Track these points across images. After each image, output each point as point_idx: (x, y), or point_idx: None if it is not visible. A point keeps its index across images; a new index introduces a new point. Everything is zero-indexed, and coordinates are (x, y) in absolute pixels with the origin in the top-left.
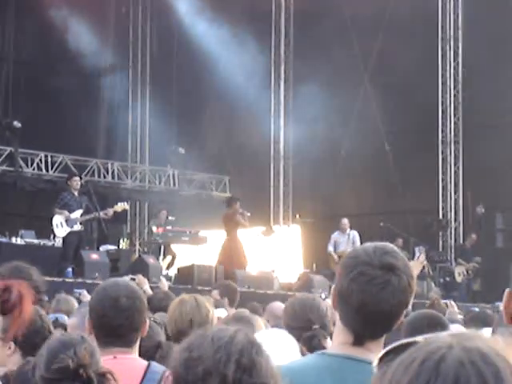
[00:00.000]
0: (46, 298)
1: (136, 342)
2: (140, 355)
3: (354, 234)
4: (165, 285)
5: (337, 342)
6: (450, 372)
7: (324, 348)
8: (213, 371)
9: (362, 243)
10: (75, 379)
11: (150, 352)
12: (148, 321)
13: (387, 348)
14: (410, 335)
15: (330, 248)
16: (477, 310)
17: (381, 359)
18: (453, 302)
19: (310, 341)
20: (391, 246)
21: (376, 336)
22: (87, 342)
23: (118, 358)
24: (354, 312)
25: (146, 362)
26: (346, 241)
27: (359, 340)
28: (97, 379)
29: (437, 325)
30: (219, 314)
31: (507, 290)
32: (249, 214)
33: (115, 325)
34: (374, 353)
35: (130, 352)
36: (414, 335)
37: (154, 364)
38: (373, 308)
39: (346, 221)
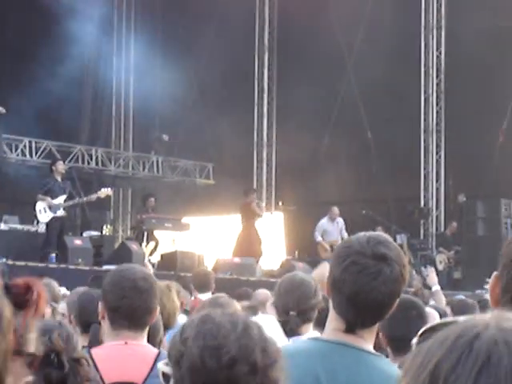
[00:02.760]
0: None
1: (147, 326)
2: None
3: (341, 221)
4: (150, 270)
5: (330, 328)
6: (482, 349)
7: (298, 334)
8: (239, 358)
9: (346, 230)
10: (48, 365)
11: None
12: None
13: (427, 326)
14: (386, 321)
15: (319, 237)
16: (462, 297)
17: (421, 336)
18: (439, 289)
19: (284, 326)
20: (385, 236)
21: (367, 324)
22: (64, 327)
23: (128, 344)
24: (346, 301)
25: (156, 350)
26: (336, 229)
27: (351, 328)
28: (70, 364)
29: (412, 309)
30: None
31: (494, 274)
32: (263, 204)
33: (134, 306)
34: (366, 340)
35: (141, 338)
36: (390, 321)
37: (164, 352)
38: (365, 297)
39: (336, 209)
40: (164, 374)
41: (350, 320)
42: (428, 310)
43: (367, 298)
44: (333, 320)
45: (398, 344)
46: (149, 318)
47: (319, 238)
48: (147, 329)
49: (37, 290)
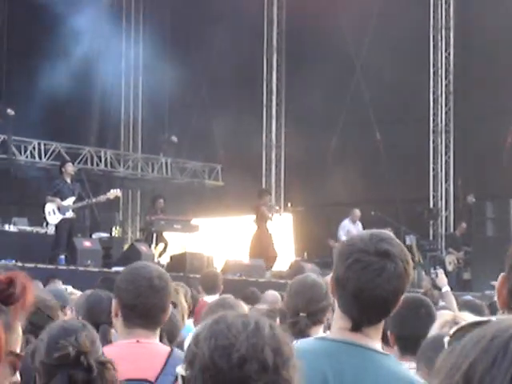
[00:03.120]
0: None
1: (161, 325)
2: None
3: (360, 224)
4: None
5: (336, 327)
6: None
7: (308, 336)
8: (249, 357)
9: None
10: (75, 366)
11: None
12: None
13: (460, 324)
14: (395, 319)
15: (343, 236)
16: (470, 297)
17: (453, 335)
18: (449, 290)
19: (293, 327)
20: (388, 233)
21: (373, 322)
22: (88, 329)
23: (140, 342)
24: (350, 298)
25: (168, 348)
26: (357, 231)
27: (357, 326)
28: (97, 367)
29: (421, 307)
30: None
31: (502, 275)
32: (277, 208)
33: (149, 305)
34: (372, 338)
35: (153, 336)
36: (399, 319)
37: (176, 350)
38: (369, 294)
39: (358, 212)
40: (182, 377)
41: (356, 318)
42: (443, 311)
43: (372, 295)
44: (338, 319)
45: (405, 343)
46: (163, 317)
47: (344, 238)
48: (159, 327)
49: (20, 283)
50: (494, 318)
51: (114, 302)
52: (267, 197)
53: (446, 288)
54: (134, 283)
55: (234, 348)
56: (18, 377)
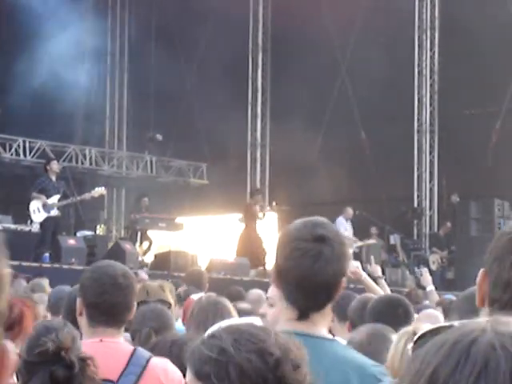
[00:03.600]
0: None
1: (125, 323)
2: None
3: (350, 223)
4: (145, 276)
5: (283, 319)
6: (479, 355)
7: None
8: (283, 359)
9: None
10: (56, 363)
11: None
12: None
13: (423, 331)
14: (374, 318)
15: (345, 233)
16: (452, 297)
17: (416, 342)
18: (433, 290)
19: None
20: (321, 218)
21: (319, 307)
22: (69, 327)
23: (104, 341)
24: (294, 287)
25: (131, 347)
26: (349, 229)
27: (303, 314)
28: (78, 364)
29: (399, 306)
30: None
31: (482, 270)
32: (268, 208)
33: (114, 302)
34: (319, 325)
35: (118, 335)
36: (378, 318)
37: (140, 349)
38: (311, 280)
39: (351, 210)
40: None
41: (302, 306)
42: (431, 311)
43: (314, 281)
44: (284, 310)
45: None
46: (127, 315)
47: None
48: (124, 326)
49: (18, 309)
50: (456, 323)
51: (78, 301)
52: (259, 196)
53: (430, 287)
54: (98, 281)
55: (268, 351)
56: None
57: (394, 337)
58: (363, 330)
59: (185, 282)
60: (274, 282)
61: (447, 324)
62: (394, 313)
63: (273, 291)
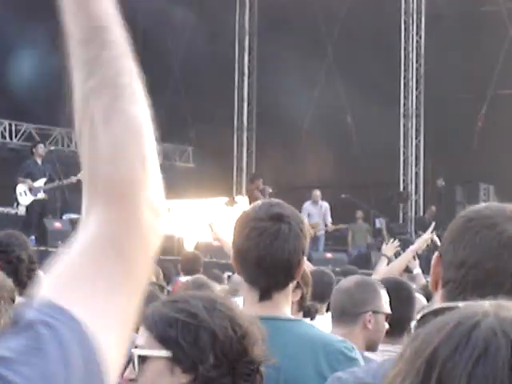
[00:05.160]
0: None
1: None
2: None
3: (325, 205)
4: None
5: (246, 303)
6: (480, 339)
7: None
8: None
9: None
10: None
11: None
12: None
13: (426, 310)
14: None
15: (305, 219)
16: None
17: (419, 320)
18: (420, 273)
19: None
20: (277, 200)
21: (281, 287)
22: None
23: None
24: (254, 267)
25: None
26: (318, 212)
27: (265, 294)
28: None
29: (401, 289)
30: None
31: (435, 254)
32: (270, 191)
33: None
34: (281, 305)
35: None
36: None
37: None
38: (270, 259)
39: (318, 192)
40: None
41: (263, 286)
42: (417, 295)
43: (273, 259)
44: (246, 292)
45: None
46: None
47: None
48: None
49: None
50: (460, 304)
51: None
52: (259, 180)
53: (417, 270)
54: None
55: (236, 322)
56: None
57: (383, 291)
58: (352, 278)
59: (180, 264)
60: (233, 264)
61: (452, 304)
62: (397, 296)
63: None
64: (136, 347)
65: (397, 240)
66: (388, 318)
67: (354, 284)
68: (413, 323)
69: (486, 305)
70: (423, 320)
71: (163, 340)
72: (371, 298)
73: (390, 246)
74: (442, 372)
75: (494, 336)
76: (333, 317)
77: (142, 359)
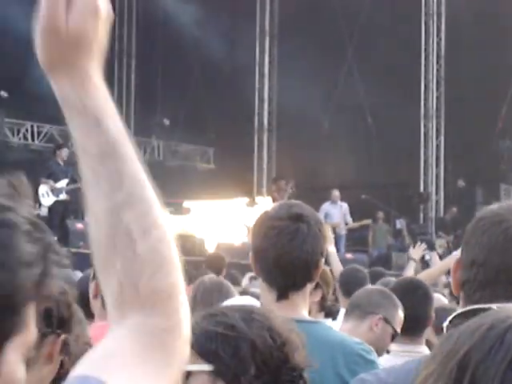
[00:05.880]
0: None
1: None
2: None
3: (345, 205)
4: None
5: (264, 302)
6: None
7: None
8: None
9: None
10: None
11: None
12: None
13: (458, 311)
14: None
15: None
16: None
17: (451, 321)
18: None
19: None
20: (297, 201)
21: (298, 287)
22: (77, 312)
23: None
24: (272, 266)
25: None
26: (338, 212)
27: (283, 294)
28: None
29: (418, 288)
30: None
31: (456, 258)
32: (291, 191)
33: None
34: (299, 306)
35: None
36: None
37: None
38: (288, 258)
39: (337, 192)
40: None
41: (281, 286)
42: (436, 295)
43: (291, 258)
44: (264, 292)
45: (404, 324)
46: None
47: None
48: None
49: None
50: (494, 307)
51: (93, 284)
52: (280, 182)
53: None
54: None
55: (276, 331)
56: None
57: (401, 311)
58: (386, 283)
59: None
60: (252, 263)
61: (486, 306)
62: (414, 295)
63: None
64: None
65: (423, 243)
66: (394, 337)
67: (377, 289)
68: (445, 324)
69: None
70: (454, 322)
71: (204, 354)
72: (387, 306)
73: (417, 250)
74: (474, 374)
75: None
76: (346, 311)
77: (185, 375)
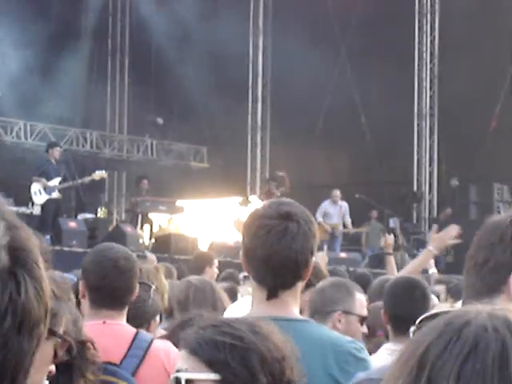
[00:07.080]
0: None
1: (127, 305)
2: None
3: (345, 205)
4: (154, 260)
5: (254, 301)
6: (470, 336)
7: None
8: None
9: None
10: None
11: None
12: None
13: (425, 314)
14: (391, 299)
15: (320, 218)
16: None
17: (418, 324)
18: (436, 273)
19: None
20: (288, 199)
21: (288, 286)
22: (70, 309)
23: (107, 324)
24: (261, 266)
25: (134, 330)
26: (338, 212)
27: (273, 292)
28: (76, 347)
29: (416, 288)
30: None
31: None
32: (279, 194)
33: (115, 286)
34: (289, 304)
35: (120, 317)
36: (395, 299)
37: (142, 332)
38: (277, 257)
39: (338, 192)
40: None
41: (270, 285)
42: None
43: (280, 257)
44: (254, 291)
45: (399, 323)
46: (129, 298)
47: (320, 219)
48: (126, 308)
49: None
50: (456, 308)
51: (80, 284)
52: (271, 184)
53: (432, 270)
54: (100, 265)
55: (277, 346)
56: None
57: (360, 294)
58: (329, 279)
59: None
60: (242, 263)
61: (450, 309)
62: (411, 295)
63: None
64: (178, 371)
65: (392, 235)
66: (364, 321)
67: (327, 284)
68: (411, 329)
69: (480, 306)
70: (421, 324)
71: (211, 363)
72: (343, 298)
73: (388, 243)
74: (432, 370)
75: (485, 332)
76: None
77: (185, 382)
